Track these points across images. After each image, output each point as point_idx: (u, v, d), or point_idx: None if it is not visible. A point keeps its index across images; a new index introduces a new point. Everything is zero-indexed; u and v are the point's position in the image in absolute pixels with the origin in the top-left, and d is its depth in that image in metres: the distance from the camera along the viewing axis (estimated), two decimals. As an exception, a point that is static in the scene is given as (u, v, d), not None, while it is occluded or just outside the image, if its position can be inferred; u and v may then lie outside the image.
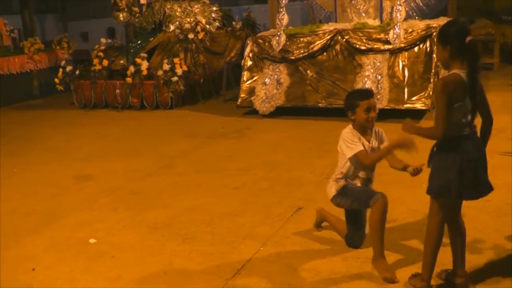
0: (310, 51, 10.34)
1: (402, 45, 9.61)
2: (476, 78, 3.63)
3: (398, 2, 9.81)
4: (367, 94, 4.48)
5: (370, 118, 4.35)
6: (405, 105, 9.45)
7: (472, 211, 5.35)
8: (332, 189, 4.58)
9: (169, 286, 4.42)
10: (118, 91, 12.97)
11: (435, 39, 9.42)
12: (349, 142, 4.38)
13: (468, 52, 3.61)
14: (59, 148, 9.58)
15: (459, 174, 3.74)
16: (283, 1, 10.77)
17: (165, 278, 4.53)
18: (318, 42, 10.31)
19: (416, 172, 4.26)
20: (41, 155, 9.09)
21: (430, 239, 3.98)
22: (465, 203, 5.56)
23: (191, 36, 13.13)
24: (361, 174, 4.55)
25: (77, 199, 6.75)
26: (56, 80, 13.86)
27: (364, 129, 4.45)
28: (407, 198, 5.86)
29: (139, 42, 14.09)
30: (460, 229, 4.09)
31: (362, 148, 4.36)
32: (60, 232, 5.70)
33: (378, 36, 9.77)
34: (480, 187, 3.87)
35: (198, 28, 13.56)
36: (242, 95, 10.89)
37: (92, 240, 5.40)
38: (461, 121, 3.69)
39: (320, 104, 10.16)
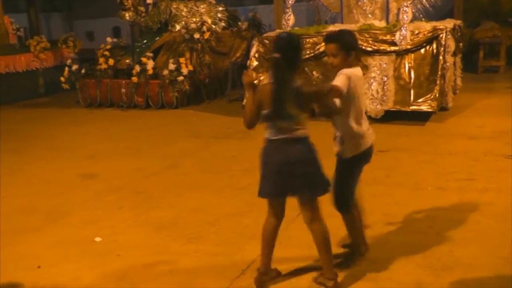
0: (316, 52, 10.30)
1: (409, 46, 9.56)
2: (276, 89, 3.80)
3: (404, 4, 9.77)
4: (325, 37, 4.35)
5: (329, 64, 4.28)
6: (411, 107, 9.44)
7: (475, 215, 5.36)
8: None
9: (174, 285, 4.41)
10: (124, 90, 12.99)
11: (441, 41, 9.41)
12: None
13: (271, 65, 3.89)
14: (64, 146, 9.59)
15: (265, 175, 4.01)
16: (289, 2, 10.76)
17: (171, 277, 4.53)
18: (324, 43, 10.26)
19: None
20: (46, 153, 9.10)
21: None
22: (467, 207, 5.58)
23: (196, 36, 13.15)
24: None
25: (82, 198, 6.75)
26: (62, 79, 13.88)
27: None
28: (411, 201, 5.85)
29: (144, 41, 14.10)
30: (314, 231, 4.11)
31: None
32: (65, 230, 5.70)
33: (384, 38, 9.73)
34: (286, 189, 3.99)
35: (204, 28, 13.57)
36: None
37: (97, 239, 5.40)
38: (268, 126, 3.94)
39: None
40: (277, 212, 4.16)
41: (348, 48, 4.13)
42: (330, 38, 4.23)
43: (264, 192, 4.06)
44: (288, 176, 3.93)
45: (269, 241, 4.20)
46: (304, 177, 3.96)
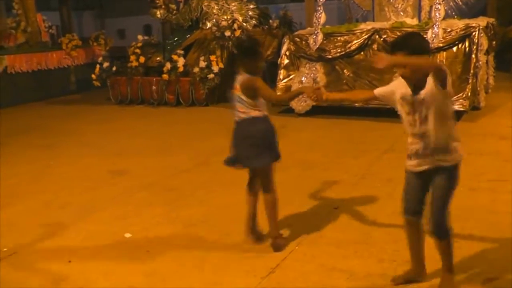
0: (347, 50, 10.25)
1: (441, 44, 9.46)
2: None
3: (437, 1, 9.66)
4: (391, 46, 3.84)
5: (400, 75, 3.76)
6: (442, 106, 9.32)
7: (507, 217, 5.26)
8: None
9: (204, 282, 4.41)
10: (154, 87, 13.07)
11: (474, 39, 9.29)
12: None
13: None
14: (95, 142, 9.67)
15: None
16: (321, 0, 10.71)
17: (200, 274, 4.53)
18: (355, 41, 10.22)
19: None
20: (76, 149, 9.18)
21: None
22: (499, 209, 5.48)
23: (227, 33, 13.13)
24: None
25: (112, 194, 6.79)
26: (93, 76, 14.01)
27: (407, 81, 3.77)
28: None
29: (175, 39, 14.14)
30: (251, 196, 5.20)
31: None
32: (95, 226, 5.75)
33: (416, 36, 9.61)
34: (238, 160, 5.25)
35: (235, 25, 13.54)
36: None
37: (127, 235, 5.43)
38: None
39: (356, 104, 10.07)
40: (249, 187, 5.25)
41: (418, 53, 3.63)
42: (395, 46, 3.73)
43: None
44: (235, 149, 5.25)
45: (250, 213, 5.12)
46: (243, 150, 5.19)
